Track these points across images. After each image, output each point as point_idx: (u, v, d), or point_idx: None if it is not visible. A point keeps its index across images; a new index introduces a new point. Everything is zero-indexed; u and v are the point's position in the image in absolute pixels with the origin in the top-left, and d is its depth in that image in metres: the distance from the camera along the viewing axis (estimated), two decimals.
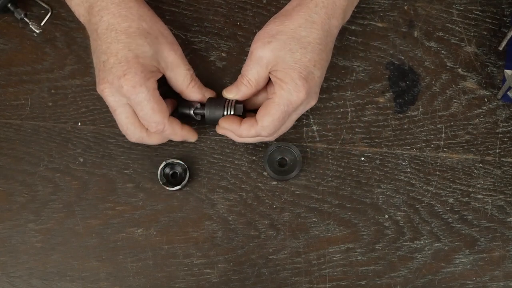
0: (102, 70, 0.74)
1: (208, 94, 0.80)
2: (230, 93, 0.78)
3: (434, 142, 0.84)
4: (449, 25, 0.86)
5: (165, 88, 0.78)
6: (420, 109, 0.84)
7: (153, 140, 0.78)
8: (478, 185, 0.83)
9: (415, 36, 0.86)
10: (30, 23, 0.84)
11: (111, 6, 0.74)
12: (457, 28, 0.86)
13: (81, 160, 0.83)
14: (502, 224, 0.82)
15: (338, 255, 0.82)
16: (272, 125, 0.75)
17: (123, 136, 0.80)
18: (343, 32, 0.85)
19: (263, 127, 0.75)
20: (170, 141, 0.82)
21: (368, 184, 0.83)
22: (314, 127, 0.84)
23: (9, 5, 0.84)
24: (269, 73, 0.76)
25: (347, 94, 0.84)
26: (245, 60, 0.78)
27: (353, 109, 0.84)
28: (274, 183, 0.83)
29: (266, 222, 0.82)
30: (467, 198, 0.83)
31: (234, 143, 0.83)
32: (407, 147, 0.84)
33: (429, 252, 0.82)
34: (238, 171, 0.83)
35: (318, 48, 0.75)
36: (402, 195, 0.83)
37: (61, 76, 0.84)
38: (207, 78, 0.83)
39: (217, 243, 0.82)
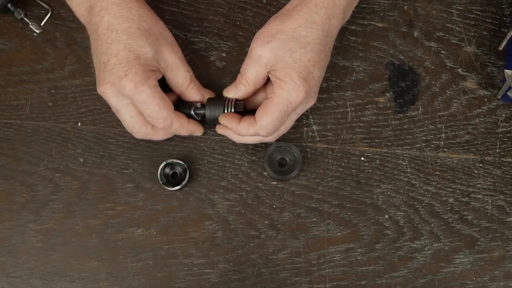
0: (103, 71, 0.74)
1: (208, 95, 0.80)
2: (230, 93, 0.78)
3: (434, 142, 0.84)
4: (449, 25, 0.86)
5: (163, 89, 0.78)
6: (420, 109, 0.84)
7: (159, 135, 0.79)
8: (478, 185, 0.83)
9: (415, 36, 0.86)
10: (30, 23, 0.84)
11: (112, 7, 0.74)
12: (457, 28, 0.86)
13: (81, 160, 0.83)
14: (502, 224, 0.82)
15: (338, 255, 0.82)
16: (270, 124, 0.75)
17: (123, 136, 0.80)
18: (343, 32, 0.85)
19: (262, 127, 0.75)
20: (170, 140, 0.82)
21: (368, 184, 0.83)
22: (314, 127, 0.84)
23: (9, 5, 0.84)
24: (268, 72, 0.76)
25: (347, 94, 0.84)
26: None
27: (353, 109, 0.84)
28: (274, 183, 0.83)
29: (266, 222, 0.82)
30: (467, 198, 0.83)
31: (234, 143, 0.83)
32: (407, 147, 0.84)
33: (429, 252, 0.82)
34: (238, 171, 0.83)
35: (318, 48, 0.75)
36: (402, 195, 0.83)
37: (61, 76, 0.84)
38: (207, 78, 0.83)
39: (217, 243, 0.82)
